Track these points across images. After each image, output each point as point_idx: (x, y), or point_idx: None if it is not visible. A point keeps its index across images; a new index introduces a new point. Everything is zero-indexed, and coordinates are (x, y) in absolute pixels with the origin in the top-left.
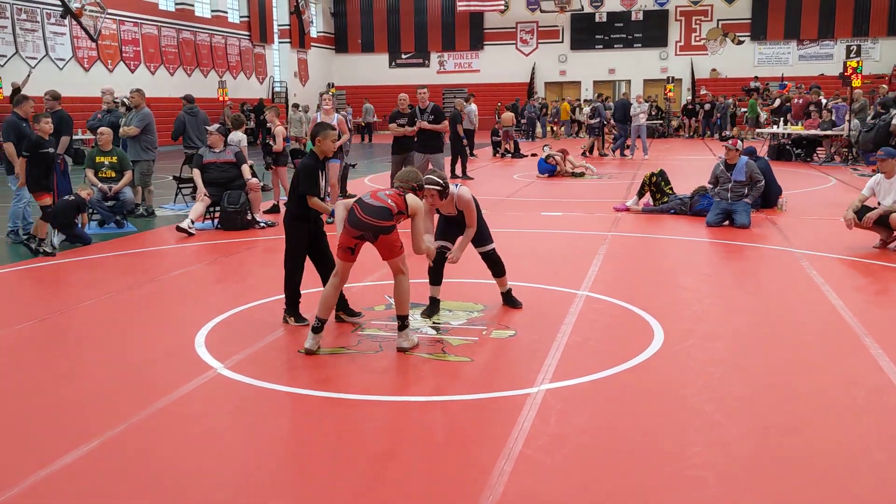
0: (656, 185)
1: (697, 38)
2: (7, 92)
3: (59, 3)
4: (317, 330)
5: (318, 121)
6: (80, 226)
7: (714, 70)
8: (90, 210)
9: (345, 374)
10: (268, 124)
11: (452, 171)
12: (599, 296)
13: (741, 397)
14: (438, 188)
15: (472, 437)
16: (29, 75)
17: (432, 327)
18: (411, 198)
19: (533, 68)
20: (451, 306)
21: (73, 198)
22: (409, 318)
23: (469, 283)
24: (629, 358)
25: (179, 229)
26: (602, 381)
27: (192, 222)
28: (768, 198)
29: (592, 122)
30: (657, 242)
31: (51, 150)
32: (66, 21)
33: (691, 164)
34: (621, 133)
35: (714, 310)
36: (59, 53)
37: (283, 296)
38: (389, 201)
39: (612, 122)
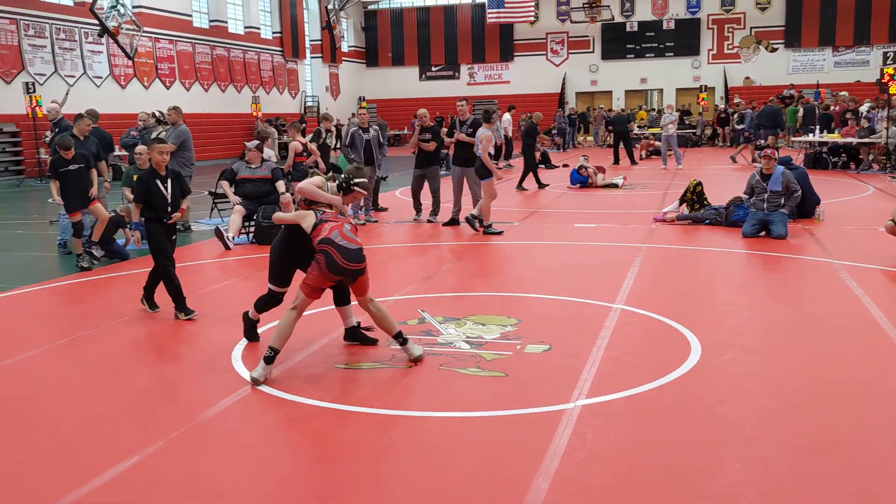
0: (698, 196)
1: (730, 46)
2: (46, 110)
3: (97, 22)
4: (269, 360)
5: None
6: (122, 242)
7: (748, 78)
8: (129, 226)
9: (379, 389)
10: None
11: (520, 184)
12: (635, 309)
13: (780, 412)
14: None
15: (507, 454)
16: (67, 93)
17: (466, 342)
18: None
19: (564, 78)
20: (485, 320)
21: (112, 215)
22: (442, 331)
23: (502, 296)
24: (666, 373)
25: (219, 233)
26: (639, 397)
27: (232, 237)
28: (805, 208)
29: (740, 127)
30: (693, 254)
31: (71, 167)
32: (104, 40)
33: (725, 174)
34: (765, 139)
35: (752, 323)
36: (96, 71)
37: (316, 310)
38: (358, 238)
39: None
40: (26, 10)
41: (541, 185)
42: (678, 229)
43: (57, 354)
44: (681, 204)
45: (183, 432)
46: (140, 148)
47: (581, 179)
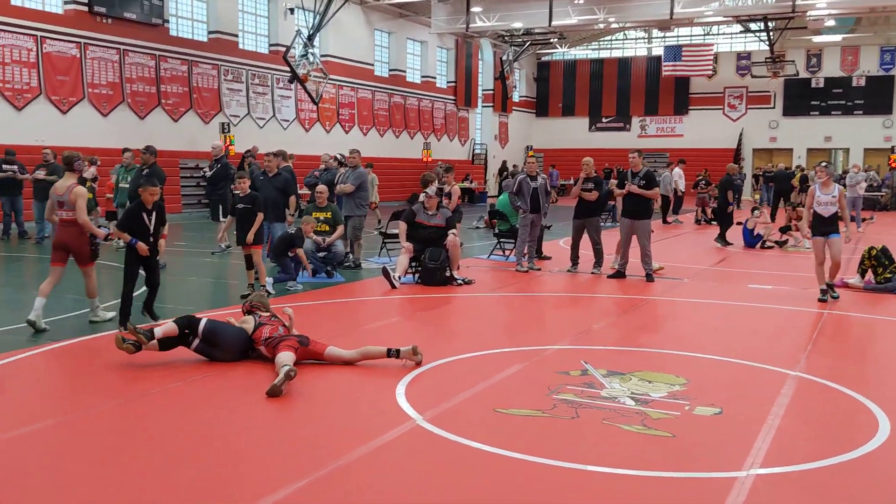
0: (877, 260)
1: None
2: (238, 149)
3: (288, 69)
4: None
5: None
6: (295, 266)
7: None
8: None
9: (540, 438)
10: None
11: (724, 238)
12: (815, 378)
13: None
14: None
15: None
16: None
17: (631, 398)
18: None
19: (741, 134)
20: (651, 377)
21: (292, 230)
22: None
23: (670, 354)
24: (849, 448)
25: (386, 272)
26: (819, 472)
27: (398, 277)
28: None
29: None
30: (880, 324)
31: (240, 206)
32: (293, 85)
33: None
34: None
35: None
36: (284, 115)
37: (477, 353)
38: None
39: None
40: (227, 56)
41: (725, 243)
42: (864, 296)
43: (232, 382)
44: (863, 274)
45: (348, 461)
46: (321, 187)
47: (754, 240)
